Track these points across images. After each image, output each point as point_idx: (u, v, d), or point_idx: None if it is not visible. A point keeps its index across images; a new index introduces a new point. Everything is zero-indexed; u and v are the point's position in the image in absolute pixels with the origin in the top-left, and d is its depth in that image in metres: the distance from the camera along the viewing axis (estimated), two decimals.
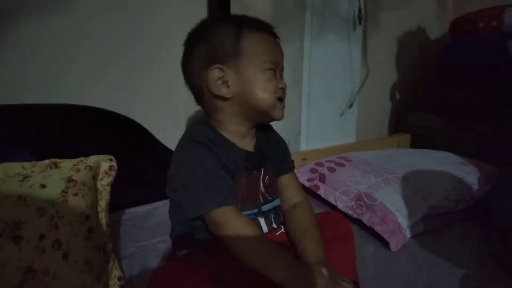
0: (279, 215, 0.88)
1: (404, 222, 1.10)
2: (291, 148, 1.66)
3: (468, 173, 1.35)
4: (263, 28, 0.80)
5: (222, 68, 0.76)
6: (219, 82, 0.76)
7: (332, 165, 1.37)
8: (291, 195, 0.89)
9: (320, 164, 1.40)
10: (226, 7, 1.38)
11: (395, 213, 1.11)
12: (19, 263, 0.67)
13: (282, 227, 0.87)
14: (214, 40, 0.77)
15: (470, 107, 1.76)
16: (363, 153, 1.51)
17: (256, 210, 0.82)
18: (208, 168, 0.74)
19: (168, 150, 1.31)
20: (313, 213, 0.87)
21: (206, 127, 0.80)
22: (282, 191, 0.90)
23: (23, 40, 1.10)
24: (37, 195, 0.74)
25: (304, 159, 1.57)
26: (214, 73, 0.76)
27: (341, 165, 1.37)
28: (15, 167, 0.79)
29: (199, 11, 1.38)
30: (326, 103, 1.65)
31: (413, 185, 1.24)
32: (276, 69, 0.79)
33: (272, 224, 0.84)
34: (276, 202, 0.87)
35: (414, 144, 2.01)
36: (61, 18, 1.14)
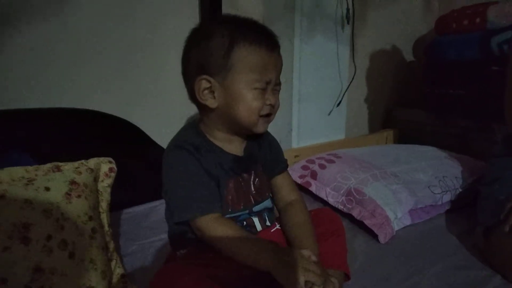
0: (273, 213, 0.92)
1: (392, 215, 1.15)
2: (283, 145, 1.68)
3: (452, 166, 1.41)
4: (259, 42, 0.76)
5: (209, 80, 0.77)
6: (206, 91, 0.78)
7: (323, 162, 1.42)
8: (286, 194, 0.93)
9: (311, 161, 1.45)
10: (218, 10, 1.41)
11: (384, 207, 1.17)
12: (28, 263, 0.71)
13: (276, 224, 0.91)
14: (206, 50, 0.77)
15: (455, 103, 1.82)
16: (352, 150, 1.56)
17: (247, 212, 0.85)
18: (191, 175, 0.77)
19: (163, 150, 1.35)
20: (307, 210, 0.91)
21: (193, 132, 0.83)
22: (277, 190, 0.94)
23: (24, 44, 1.12)
24: (43, 197, 0.78)
25: (296, 156, 1.62)
26: (202, 83, 0.77)
27: (331, 161, 1.42)
28: (19, 171, 0.82)
29: (192, 15, 1.41)
30: (316, 101, 1.70)
31: (400, 179, 1.30)
32: (267, 87, 0.78)
33: (266, 222, 0.88)
34: (267, 203, 0.90)
35: (402, 139, 2.07)
36: (60, 23, 1.17)
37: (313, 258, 0.73)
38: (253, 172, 0.88)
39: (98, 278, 0.79)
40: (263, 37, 0.78)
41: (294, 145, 1.68)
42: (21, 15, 1.12)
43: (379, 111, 2.23)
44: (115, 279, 0.85)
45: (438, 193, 1.27)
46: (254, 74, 0.76)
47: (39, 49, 1.16)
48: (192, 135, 0.82)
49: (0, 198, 0.74)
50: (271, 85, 0.79)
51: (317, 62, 1.67)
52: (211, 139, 0.84)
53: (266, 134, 0.95)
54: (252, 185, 0.87)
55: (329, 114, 1.77)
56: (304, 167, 1.44)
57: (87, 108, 1.20)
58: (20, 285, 0.69)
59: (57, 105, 1.16)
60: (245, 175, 0.86)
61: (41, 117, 1.09)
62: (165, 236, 1.09)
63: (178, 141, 0.80)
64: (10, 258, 0.70)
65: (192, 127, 0.85)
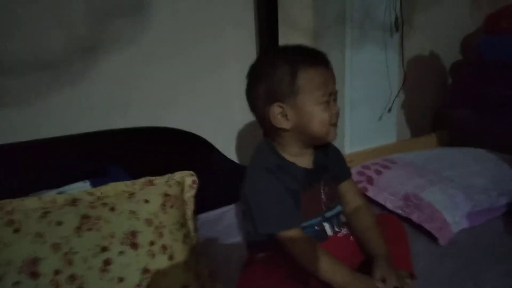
0: (340, 218, 1.01)
1: (450, 218, 1.21)
2: None
3: (507, 168, 1.45)
4: (316, 62, 0.88)
5: (281, 106, 0.88)
6: (279, 116, 0.89)
7: (378, 167, 1.49)
8: (352, 200, 1.02)
9: (366, 167, 1.52)
10: (274, 25, 1.50)
11: (442, 211, 1.22)
12: (138, 265, 0.84)
13: (343, 229, 1.00)
14: (272, 81, 0.88)
15: (507, 103, 1.82)
16: (406, 155, 1.61)
17: (320, 218, 0.95)
18: (274, 193, 0.88)
19: (226, 159, 1.47)
20: (374, 214, 1.00)
21: (271, 153, 0.94)
22: (343, 196, 1.03)
23: (105, 69, 1.27)
24: (144, 209, 0.90)
25: (349, 161, 1.68)
26: (275, 109, 0.88)
27: (387, 167, 1.48)
28: (120, 186, 0.96)
29: (249, 28, 1.52)
30: (367, 107, 1.76)
31: (456, 183, 1.35)
32: (330, 98, 0.89)
33: (334, 227, 0.97)
34: (338, 208, 1.00)
35: (452, 141, 2.07)
36: (136, 48, 1.30)
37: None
38: (322, 181, 0.97)
39: (192, 279, 0.90)
40: (318, 57, 0.90)
41: (347, 151, 1.75)
42: (102, 45, 1.26)
43: (428, 114, 2.25)
44: (204, 278, 0.96)
45: (494, 196, 1.31)
46: (319, 90, 0.87)
47: (119, 73, 1.29)
48: (270, 156, 0.93)
49: (110, 210, 0.88)
50: (333, 96, 0.90)
51: (367, 69, 1.72)
52: (285, 156, 0.94)
53: (332, 144, 1.04)
54: (323, 193, 0.97)
55: (380, 119, 1.82)
56: (360, 173, 1.51)
57: (159, 124, 1.33)
58: (132, 284, 0.82)
59: (136, 123, 1.30)
60: (316, 185, 0.96)
61: (126, 136, 1.23)
62: (237, 239, 1.21)
63: (261, 163, 0.92)
64: (124, 261, 0.83)
65: (268, 147, 0.95)
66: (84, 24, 1.22)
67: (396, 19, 1.73)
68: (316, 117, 0.88)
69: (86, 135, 1.16)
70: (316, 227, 0.94)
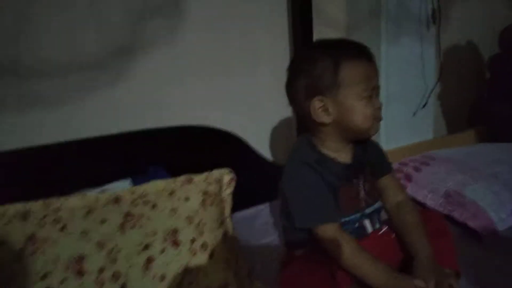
0: (381, 215, 0.99)
1: (495, 216, 1.16)
2: None
3: None
4: (359, 55, 0.86)
5: (322, 99, 0.86)
6: (320, 110, 0.87)
7: (417, 164, 1.45)
8: (393, 195, 0.99)
9: (404, 164, 1.48)
10: (309, 22, 1.49)
11: (486, 208, 1.18)
12: (179, 262, 0.84)
13: (385, 226, 0.97)
14: (314, 73, 0.86)
15: None
16: (446, 151, 1.57)
17: (359, 215, 0.93)
18: (313, 187, 0.86)
19: (260, 157, 1.47)
20: (417, 211, 0.96)
21: (310, 148, 0.92)
22: (383, 191, 1.00)
23: (141, 70, 1.29)
24: (184, 206, 0.91)
25: None
26: (316, 103, 0.87)
27: (426, 164, 1.44)
28: (161, 184, 0.96)
29: (281, 23, 1.51)
30: (403, 103, 1.72)
31: (500, 180, 1.29)
32: (372, 92, 0.87)
33: (376, 224, 0.95)
34: (378, 204, 0.97)
35: (491, 137, 2.00)
36: (169, 49, 1.32)
37: None
38: (362, 177, 0.95)
39: (232, 277, 0.90)
40: (360, 51, 0.87)
41: (384, 147, 1.71)
42: (138, 46, 1.28)
43: (466, 109, 2.18)
44: (243, 277, 0.96)
45: None
46: (361, 84, 0.84)
47: (154, 74, 1.31)
48: (309, 151, 0.92)
49: (152, 208, 0.89)
50: (375, 90, 0.88)
51: (403, 64, 1.68)
52: (324, 151, 0.92)
53: (369, 139, 1.01)
54: (362, 189, 0.95)
55: (414, 115, 1.77)
56: (398, 170, 1.47)
57: (195, 123, 1.34)
58: (174, 281, 0.83)
59: (172, 123, 1.31)
60: (355, 180, 0.94)
61: (169, 135, 1.24)
62: (273, 237, 1.21)
63: (300, 157, 0.90)
64: (166, 258, 0.84)
65: (307, 143, 0.94)
66: (120, 26, 1.25)
67: (433, 11, 1.68)
68: (359, 112, 0.86)
69: (124, 135, 1.18)
70: (356, 224, 0.92)
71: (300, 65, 0.90)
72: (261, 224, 1.29)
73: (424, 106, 1.74)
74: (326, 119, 0.88)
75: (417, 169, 1.43)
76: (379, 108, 0.89)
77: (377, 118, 0.89)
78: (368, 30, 1.63)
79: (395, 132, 1.70)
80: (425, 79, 1.73)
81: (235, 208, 1.36)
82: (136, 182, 1.02)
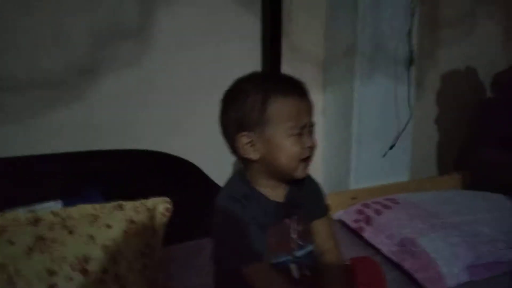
0: (314, 259, 0.94)
1: (446, 270, 1.10)
2: (341, 186, 1.70)
3: None
4: (290, 91, 0.83)
5: (249, 135, 0.83)
6: (247, 146, 0.84)
7: (379, 207, 1.40)
8: (321, 241, 0.94)
9: (366, 205, 1.43)
10: (278, 53, 1.49)
11: (438, 261, 1.12)
12: None
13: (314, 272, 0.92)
14: (243, 108, 0.83)
15: None
16: (413, 195, 1.51)
17: (289, 257, 0.88)
18: (240, 225, 0.82)
19: (216, 185, 1.43)
20: (341, 260, 0.92)
21: (242, 182, 0.89)
22: (314, 236, 0.95)
23: (100, 93, 1.29)
24: (103, 234, 0.88)
25: (353, 198, 1.60)
26: (243, 139, 0.84)
27: (388, 207, 1.39)
28: (88, 209, 0.94)
29: (254, 55, 1.50)
30: (376, 142, 1.68)
31: (460, 232, 1.24)
32: (303, 130, 0.83)
33: (303, 269, 0.90)
34: (311, 248, 0.93)
35: (476, 182, 1.93)
36: (137, 70, 1.32)
37: None
38: (294, 217, 0.91)
39: None
40: (292, 87, 0.85)
41: (352, 186, 1.66)
42: (102, 67, 1.28)
43: (450, 152, 2.12)
44: None
45: (503, 249, 1.18)
46: (290, 122, 0.81)
47: (117, 94, 1.31)
48: (240, 185, 0.88)
49: (69, 233, 0.86)
50: (307, 128, 0.84)
51: (377, 103, 1.65)
52: (256, 187, 0.88)
53: (308, 178, 0.96)
54: (293, 230, 0.90)
55: (383, 156, 1.71)
56: (359, 211, 1.42)
57: (153, 148, 1.33)
58: None
59: (131, 146, 1.30)
60: (286, 220, 0.89)
61: (111, 158, 1.23)
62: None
63: (228, 191, 0.87)
64: (71, 287, 0.81)
65: (240, 176, 0.91)
66: (84, 45, 1.26)
67: (411, 52, 1.66)
68: (285, 150, 0.82)
69: (67, 155, 1.18)
70: (283, 267, 0.88)
71: (232, 97, 0.88)
72: (204, 259, 1.24)
73: (391, 147, 1.69)
74: (253, 155, 0.85)
75: (378, 212, 1.38)
76: (311, 148, 0.85)
77: (306, 159, 0.85)
78: (343, 66, 1.62)
79: (364, 171, 1.66)
80: (398, 119, 1.69)
81: (183, 238, 1.34)
82: (68, 204, 0.99)
